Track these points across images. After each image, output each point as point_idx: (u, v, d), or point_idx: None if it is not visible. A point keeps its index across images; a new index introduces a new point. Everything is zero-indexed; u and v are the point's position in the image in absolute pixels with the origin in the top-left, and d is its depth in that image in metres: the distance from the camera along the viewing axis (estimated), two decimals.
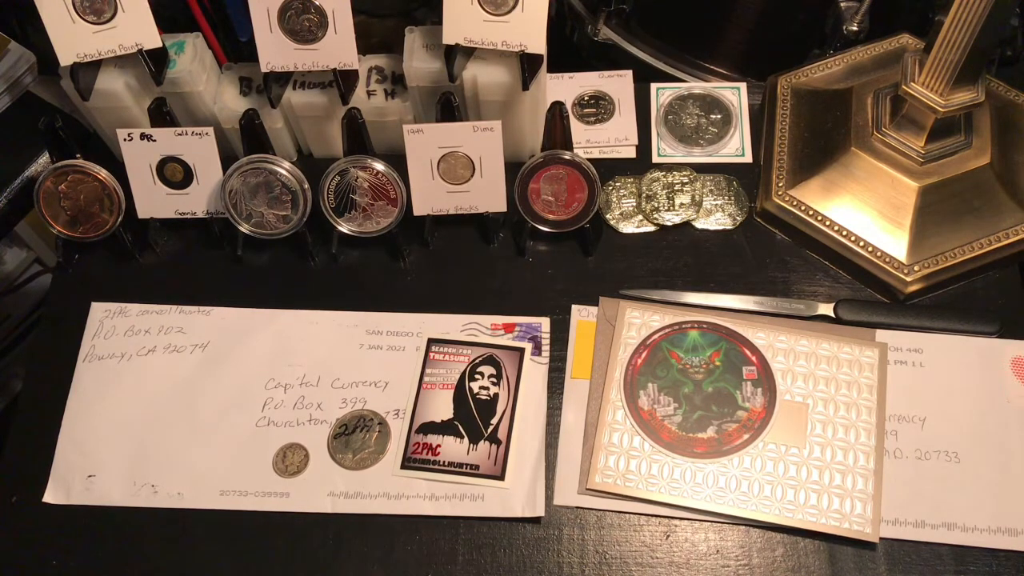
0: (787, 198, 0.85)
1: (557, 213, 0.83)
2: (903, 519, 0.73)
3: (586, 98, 0.94)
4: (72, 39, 0.78)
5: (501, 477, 0.75)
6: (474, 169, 0.82)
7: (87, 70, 0.81)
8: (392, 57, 0.87)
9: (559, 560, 0.73)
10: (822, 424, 0.76)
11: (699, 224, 0.87)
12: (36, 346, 0.86)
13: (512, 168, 0.83)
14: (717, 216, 0.87)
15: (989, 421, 0.76)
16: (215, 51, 0.89)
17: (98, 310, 0.85)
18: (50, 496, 0.77)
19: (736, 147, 0.91)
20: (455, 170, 0.82)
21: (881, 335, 0.80)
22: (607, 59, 1.01)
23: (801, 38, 0.95)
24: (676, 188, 0.87)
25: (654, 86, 0.94)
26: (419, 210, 0.84)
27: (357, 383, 0.80)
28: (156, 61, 0.81)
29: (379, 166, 0.82)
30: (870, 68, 0.90)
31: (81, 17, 0.78)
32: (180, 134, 0.81)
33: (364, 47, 0.83)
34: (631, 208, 0.88)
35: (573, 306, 0.83)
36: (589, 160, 0.81)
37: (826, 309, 0.81)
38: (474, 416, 0.78)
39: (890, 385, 0.78)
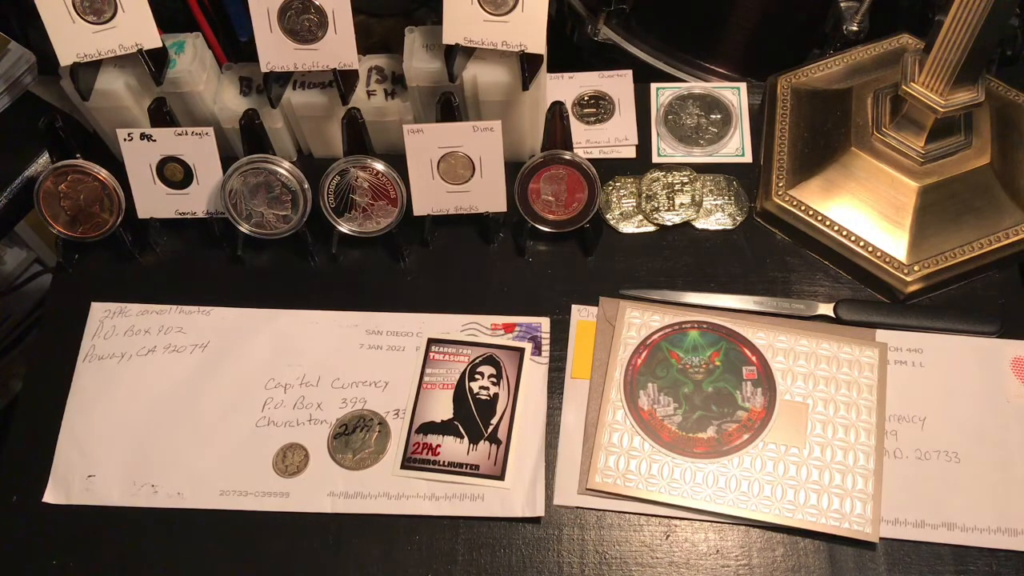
0: (787, 198, 0.85)
1: (557, 213, 0.83)
2: (903, 519, 0.73)
3: (586, 98, 0.94)
4: (72, 39, 0.78)
5: (501, 477, 0.75)
6: (474, 169, 0.82)
7: (87, 70, 0.81)
8: (392, 57, 0.87)
9: (559, 560, 0.73)
10: (822, 424, 0.76)
11: (699, 224, 0.87)
12: (36, 346, 0.86)
13: (512, 168, 0.84)
14: (717, 216, 0.87)
15: (989, 421, 0.76)
16: (215, 51, 0.89)
17: (98, 310, 0.85)
18: (50, 496, 0.77)
19: (736, 147, 0.91)
20: (455, 170, 0.82)
21: (881, 335, 0.80)
22: (607, 59, 1.01)
23: (801, 38, 0.95)
24: (676, 188, 0.87)
25: (654, 86, 0.94)
26: (419, 210, 0.84)
27: (357, 383, 0.80)
28: (156, 61, 0.81)
29: (379, 166, 0.82)
30: (870, 68, 0.90)
31: (81, 17, 0.78)
32: (180, 134, 0.81)
33: (364, 47, 0.83)
34: (631, 208, 0.88)
35: (573, 306, 0.83)
36: (589, 160, 0.81)
37: (826, 309, 0.81)
38: (474, 416, 0.78)
39: (890, 385, 0.78)
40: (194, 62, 0.83)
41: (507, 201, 0.84)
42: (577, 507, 0.75)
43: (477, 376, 0.80)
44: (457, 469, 0.76)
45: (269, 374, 0.81)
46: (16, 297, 1.36)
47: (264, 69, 0.80)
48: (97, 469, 0.78)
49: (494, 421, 0.78)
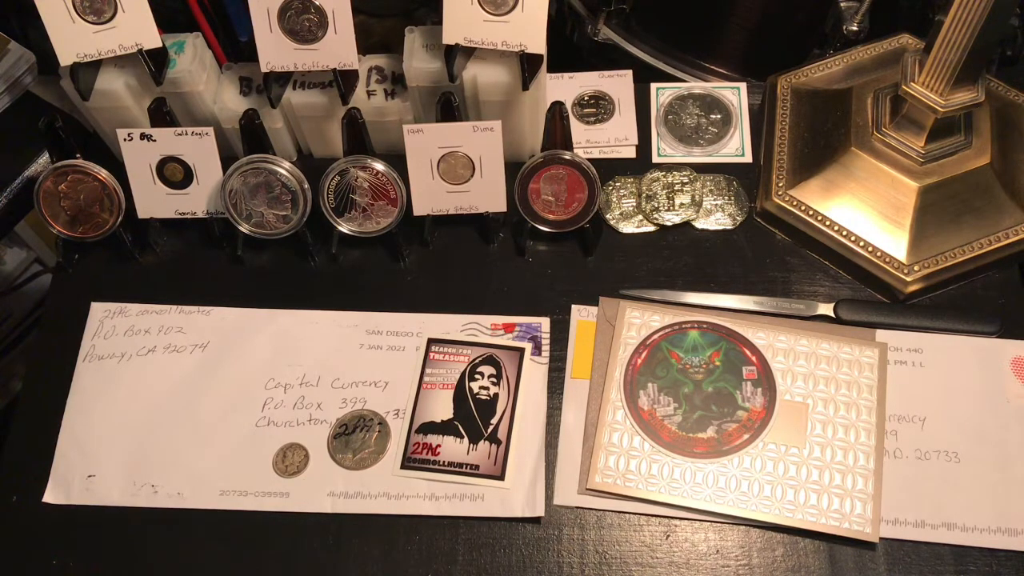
0: (787, 198, 0.85)
1: (557, 213, 0.83)
2: (903, 519, 0.73)
3: (586, 98, 0.94)
4: (72, 39, 0.78)
5: (501, 477, 0.75)
6: (474, 169, 0.82)
7: (87, 70, 0.81)
8: (392, 57, 0.87)
9: (559, 560, 0.73)
10: (822, 424, 0.76)
11: (699, 224, 0.87)
12: (36, 346, 0.86)
13: (512, 168, 0.84)
14: (717, 216, 0.87)
15: (989, 421, 0.76)
16: (215, 51, 0.89)
17: (98, 310, 0.85)
18: (50, 496, 0.77)
19: (736, 147, 0.91)
20: (455, 170, 0.82)
21: (881, 335, 0.80)
22: (607, 59, 1.01)
23: (801, 38, 0.95)
24: (676, 188, 0.87)
25: (654, 86, 0.94)
26: (419, 210, 0.84)
27: (357, 383, 0.80)
28: (156, 61, 0.81)
29: (379, 166, 0.82)
30: (870, 68, 0.90)
31: (81, 17, 0.78)
32: (180, 134, 0.81)
33: (364, 47, 0.83)
34: (631, 208, 0.88)
35: (573, 306, 0.83)
36: (589, 160, 0.81)
37: (826, 309, 0.81)
38: (474, 416, 0.78)
39: (890, 385, 0.78)
40: (194, 62, 0.83)
41: (507, 201, 0.84)
42: (577, 507, 0.75)
43: (477, 376, 0.80)
44: (457, 469, 0.76)
45: (269, 374, 0.81)
46: (16, 297, 1.36)
47: (264, 69, 0.80)
48: (97, 469, 0.78)
49: (494, 421, 0.78)
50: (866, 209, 0.83)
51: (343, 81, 0.81)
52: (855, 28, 0.89)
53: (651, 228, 0.87)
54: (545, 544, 0.74)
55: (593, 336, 0.82)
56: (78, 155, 0.83)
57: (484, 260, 0.86)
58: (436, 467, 0.76)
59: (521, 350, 0.81)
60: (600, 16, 0.99)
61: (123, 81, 0.82)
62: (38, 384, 0.83)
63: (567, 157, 0.81)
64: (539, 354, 0.81)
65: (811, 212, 0.84)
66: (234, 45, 1.01)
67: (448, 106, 0.80)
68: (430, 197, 0.83)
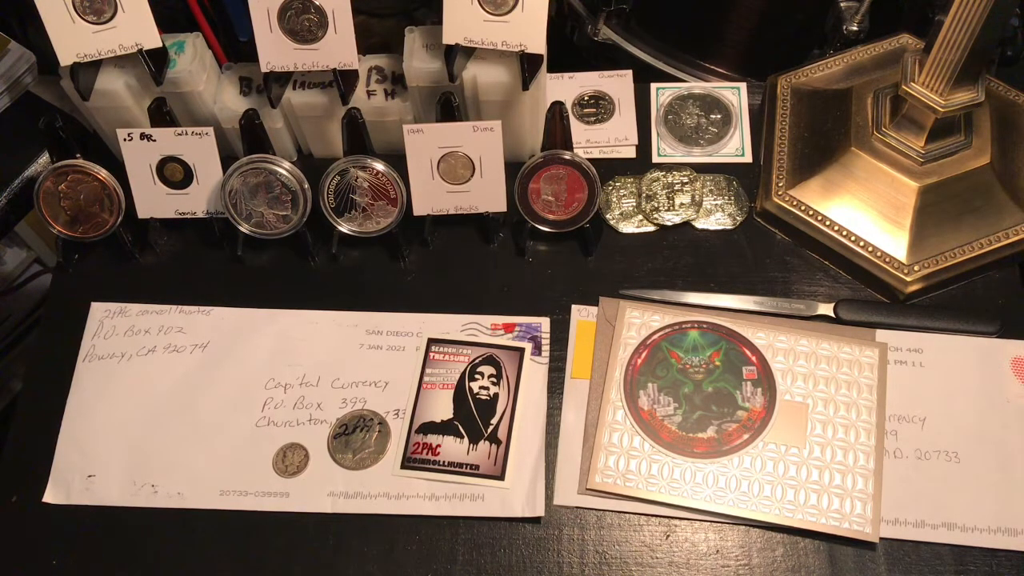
0: (787, 198, 0.85)
1: (557, 213, 0.83)
2: (903, 519, 0.73)
3: (586, 98, 0.94)
4: (72, 39, 0.78)
5: (501, 477, 0.75)
6: (474, 169, 0.82)
7: (87, 70, 0.81)
8: (392, 57, 0.87)
9: (559, 560, 0.73)
10: (822, 424, 0.76)
11: (699, 224, 0.87)
12: (36, 346, 0.86)
13: (512, 168, 0.84)
14: (717, 216, 0.87)
15: (989, 421, 0.76)
16: (215, 51, 0.89)
17: (98, 310, 0.85)
18: (50, 496, 0.77)
19: (736, 147, 0.91)
20: (455, 170, 0.82)
21: (881, 335, 0.80)
22: (607, 59, 1.01)
23: (801, 38, 0.95)
24: (676, 188, 0.87)
25: (654, 86, 0.94)
26: (419, 210, 0.84)
27: (357, 383, 0.80)
28: (156, 61, 0.81)
29: (379, 166, 0.82)
30: (870, 68, 0.90)
31: (81, 17, 0.78)
32: (180, 134, 0.81)
33: (364, 47, 0.83)
34: (631, 208, 0.88)
35: (573, 306, 0.83)
36: (589, 160, 0.81)
37: (826, 309, 0.81)
38: (474, 416, 0.78)
39: (890, 385, 0.78)
40: (194, 62, 0.83)
41: (507, 201, 0.84)
42: (577, 507, 0.75)
43: (477, 376, 0.80)
44: (457, 469, 0.76)
45: (269, 374, 0.81)
46: (16, 297, 1.36)
47: (264, 69, 0.80)
48: (97, 469, 0.78)
49: (494, 421, 0.78)
50: (866, 209, 0.83)
51: (343, 81, 0.81)
52: (855, 28, 0.89)
53: (651, 228, 0.87)
54: (545, 544, 0.74)
55: (593, 336, 0.82)
56: (78, 155, 0.83)
57: (484, 260, 0.86)
58: (436, 467, 0.76)
59: (521, 350, 0.81)
60: (600, 16, 0.99)
61: (123, 81, 0.82)
62: (38, 384, 0.83)
63: (567, 157, 0.81)
64: (539, 354, 0.81)
65: (811, 212, 0.84)
66: (234, 45, 1.01)
67: (448, 106, 0.80)
68: (430, 197, 0.83)
